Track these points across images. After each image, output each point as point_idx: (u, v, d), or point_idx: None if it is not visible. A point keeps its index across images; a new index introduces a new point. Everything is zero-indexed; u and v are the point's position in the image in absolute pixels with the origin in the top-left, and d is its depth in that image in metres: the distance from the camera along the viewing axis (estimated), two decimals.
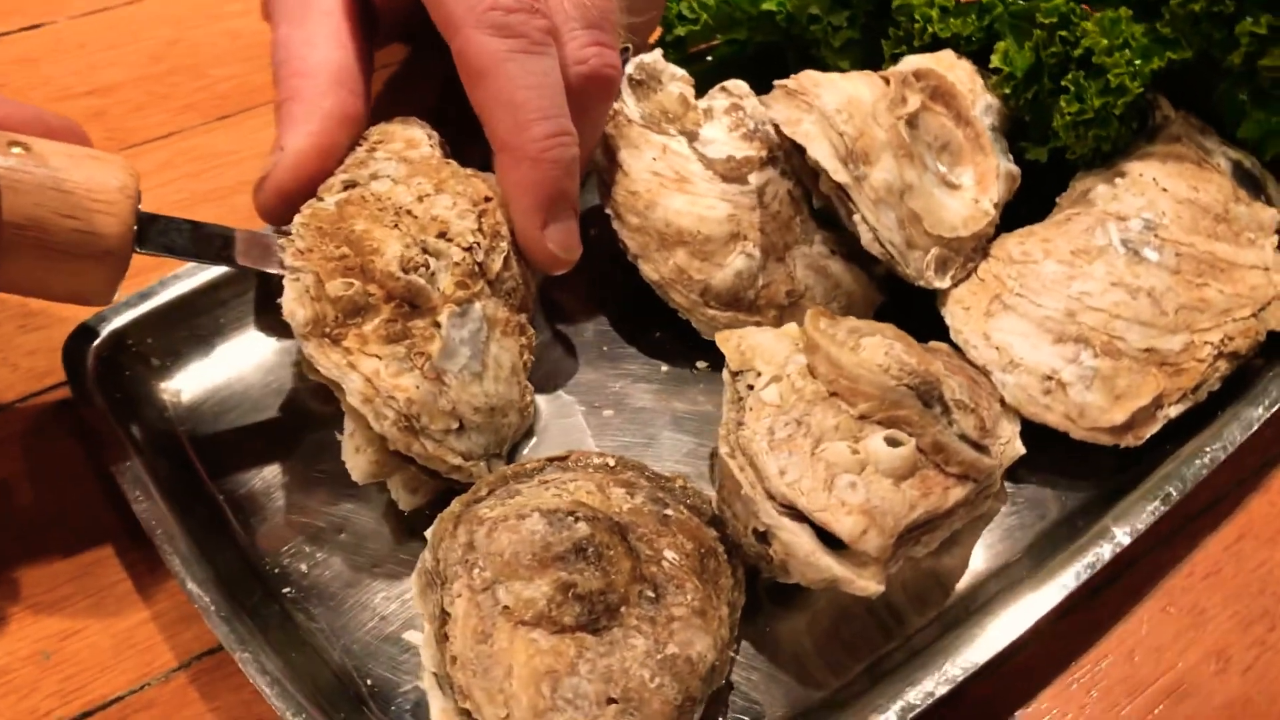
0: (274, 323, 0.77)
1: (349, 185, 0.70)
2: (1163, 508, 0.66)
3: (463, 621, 0.57)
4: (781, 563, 0.61)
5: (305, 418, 0.75)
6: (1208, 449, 0.70)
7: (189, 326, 0.78)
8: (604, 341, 0.80)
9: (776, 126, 0.75)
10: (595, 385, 0.78)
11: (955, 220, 0.75)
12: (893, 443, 0.62)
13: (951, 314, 0.75)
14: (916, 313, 0.75)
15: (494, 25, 0.67)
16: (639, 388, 0.78)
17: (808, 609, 0.67)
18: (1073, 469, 0.73)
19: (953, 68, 0.81)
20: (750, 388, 0.66)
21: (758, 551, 0.62)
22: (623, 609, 0.57)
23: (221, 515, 0.70)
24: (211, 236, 0.68)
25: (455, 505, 0.63)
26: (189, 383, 0.77)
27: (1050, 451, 0.72)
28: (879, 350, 0.64)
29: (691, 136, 0.80)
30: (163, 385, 0.76)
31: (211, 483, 0.72)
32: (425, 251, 0.66)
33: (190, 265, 0.77)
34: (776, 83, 0.76)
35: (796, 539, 0.60)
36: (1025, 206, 0.81)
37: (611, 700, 0.55)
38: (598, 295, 0.83)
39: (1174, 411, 0.71)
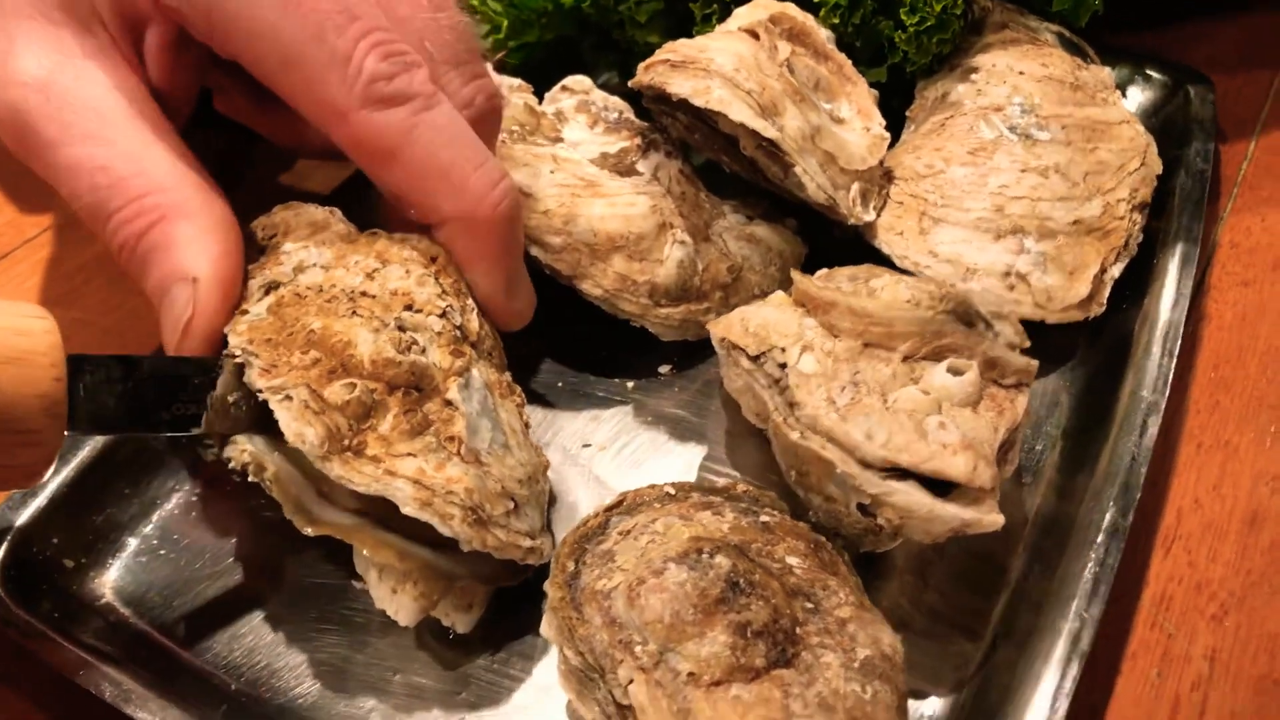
0: (198, 476, 0.67)
1: (271, 287, 0.60)
2: (1169, 361, 0.68)
3: (652, 709, 0.51)
4: (896, 528, 0.58)
5: (275, 570, 0.65)
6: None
7: (96, 510, 0.66)
8: (558, 377, 0.74)
9: (658, 103, 0.72)
10: (569, 422, 0.72)
11: (861, 151, 0.75)
12: (955, 371, 0.60)
13: (889, 243, 0.75)
14: (837, 257, 0.73)
15: (382, 99, 0.58)
16: (613, 412, 0.73)
17: (895, 577, 0.64)
18: (1049, 355, 0.73)
19: (783, 9, 0.80)
20: (783, 365, 0.62)
21: (864, 527, 0.59)
22: (797, 630, 0.53)
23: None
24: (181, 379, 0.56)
25: (555, 591, 0.56)
26: (119, 576, 0.65)
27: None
28: (898, 287, 0.63)
29: (556, 143, 0.75)
30: (91, 586, 0.64)
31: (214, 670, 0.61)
32: (402, 329, 0.58)
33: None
34: (649, 61, 0.73)
35: (911, 497, 0.57)
36: None
37: None
38: (535, 331, 0.74)
39: (1116, 271, 0.74)
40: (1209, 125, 0.84)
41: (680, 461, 0.70)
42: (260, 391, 0.55)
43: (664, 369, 0.75)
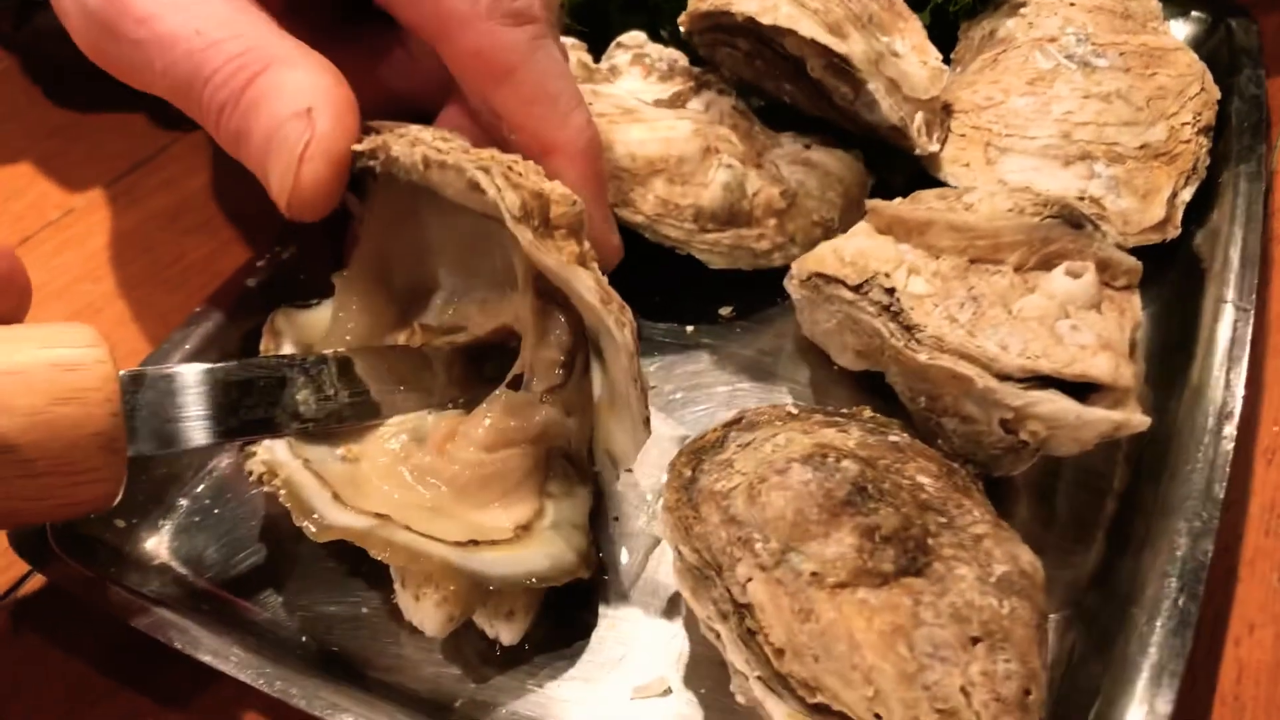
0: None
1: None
2: (1251, 271, 0.66)
3: (772, 606, 0.48)
4: (1041, 441, 0.56)
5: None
6: None
7: (147, 470, 0.62)
8: None
9: (716, 33, 0.71)
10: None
11: (923, 81, 0.73)
12: (1073, 274, 0.57)
13: (954, 175, 0.72)
14: (896, 190, 0.72)
15: (510, 14, 0.58)
16: (675, 357, 0.70)
17: (1020, 500, 0.62)
18: None
19: None
20: (890, 291, 0.59)
21: (1006, 445, 0.57)
22: (929, 541, 0.50)
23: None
24: (248, 383, 0.57)
25: (670, 495, 0.53)
26: (173, 536, 0.62)
27: None
28: (996, 198, 0.60)
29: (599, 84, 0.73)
30: (145, 546, 0.61)
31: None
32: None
33: None
34: None
35: (1058, 405, 0.54)
36: None
37: (975, 639, 0.47)
38: None
39: (1187, 195, 0.72)
40: (1256, 54, 0.83)
41: (763, 399, 0.67)
42: (461, 167, 0.53)
43: (724, 311, 0.72)
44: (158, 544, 0.61)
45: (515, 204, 0.52)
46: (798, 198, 0.71)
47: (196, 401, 0.54)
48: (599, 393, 0.57)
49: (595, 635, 0.57)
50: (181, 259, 0.78)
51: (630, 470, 0.60)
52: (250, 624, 0.57)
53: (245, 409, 0.55)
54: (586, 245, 0.56)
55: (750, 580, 0.48)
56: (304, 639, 0.57)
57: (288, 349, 0.62)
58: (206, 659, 0.53)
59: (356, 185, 0.59)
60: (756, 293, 0.71)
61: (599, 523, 0.61)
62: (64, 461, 0.47)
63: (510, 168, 0.54)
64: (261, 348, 0.63)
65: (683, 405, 0.67)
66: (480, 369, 0.62)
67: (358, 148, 0.55)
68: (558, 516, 0.57)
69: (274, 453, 0.56)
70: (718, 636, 0.49)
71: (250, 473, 0.56)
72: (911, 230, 0.61)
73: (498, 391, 0.58)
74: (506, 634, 0.55)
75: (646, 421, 0.55)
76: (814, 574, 0.48)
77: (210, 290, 0.69)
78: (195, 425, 0.53)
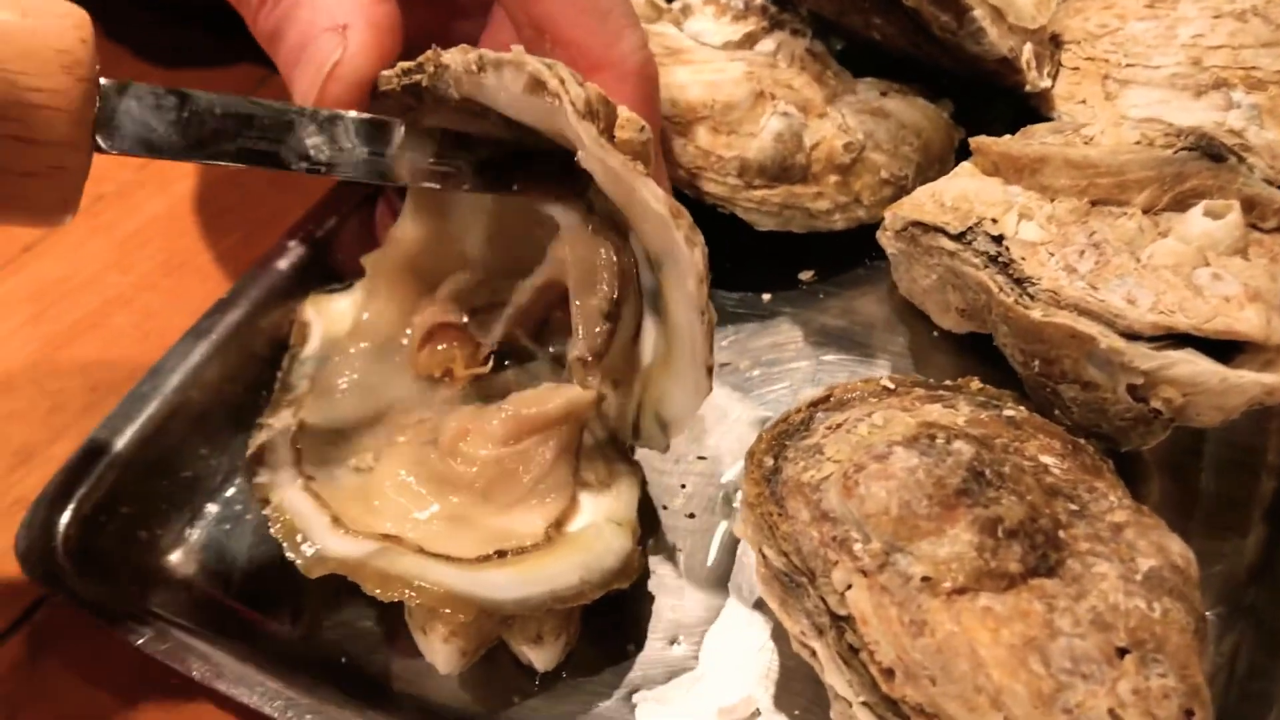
0: None
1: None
2: None
3: (877, 619, 0.40)
4: (1176, 410, 0.47)
5: None
6: None
7: (170, 473, 0.56)
8: None
9: None
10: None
11: (1030, 9, 0.64)
12: (1213, 215, 0.49)
13: (1071, 114, 0.63)
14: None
15: None
16: (753, 328, 0.62)
17: (1153, 479, 0.54)
18: None
19: None
20: (999, 238, 0.51)
21: (1135, 415, 0.48)
22: (1060, 534, 0.42)
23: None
24: (248, 117, 0.48)
25: (751, 488, 0.46)
26: (200, 547, 0.56)
27: None
28: (1119, 130, 0.52)
29: (677, 26, 0.66)
30: (169, 560, 0.55)
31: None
32: None
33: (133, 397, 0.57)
34: None
35: (1198, 367, 0.46)
36: None
37: (1122, 651, 0.39)
38: None
39: None
40: None
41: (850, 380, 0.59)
42: (521, 62, 0.47)
43: (805, 275, 0.64)
44: (183, 558, 0.55)
45: (580, 99, 0.46)
46: (864, 152, 0.62)
47: (192, 119, 0.47)
48: (650, 356, 0.50)
49: (665, 648, 0.50)
50: (213, 246, 0.73)
51: (704, 458, 0.53)
52: (278, 645, 0.51)
53: (245, 138, 0.48)
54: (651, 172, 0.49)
55: (850, 587, 0.41)
56: (342, 660, 0.51)
57: (315, 344, 0.57)
58: (229, 690, 0.46)
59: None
60: (842, 253, 0.64)
61: (661, 517, 0.54)
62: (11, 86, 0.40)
63: (573, 75, 0.48)
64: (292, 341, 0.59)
65: (761, 383, 0.59)
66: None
67: (404, 64, 0.50)
68: (595, 511, 0.50)
69: (275, 472, 0.51)
70: (813, 654, 0.42)
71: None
72: (1022, 169, 0.52)
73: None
74: (539, 660, 0.48)
75: (710, 371, 0.47)
76: (926, 578, 0.40)
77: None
78: (185, 136, 0.47)
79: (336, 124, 0.49)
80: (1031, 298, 0.49)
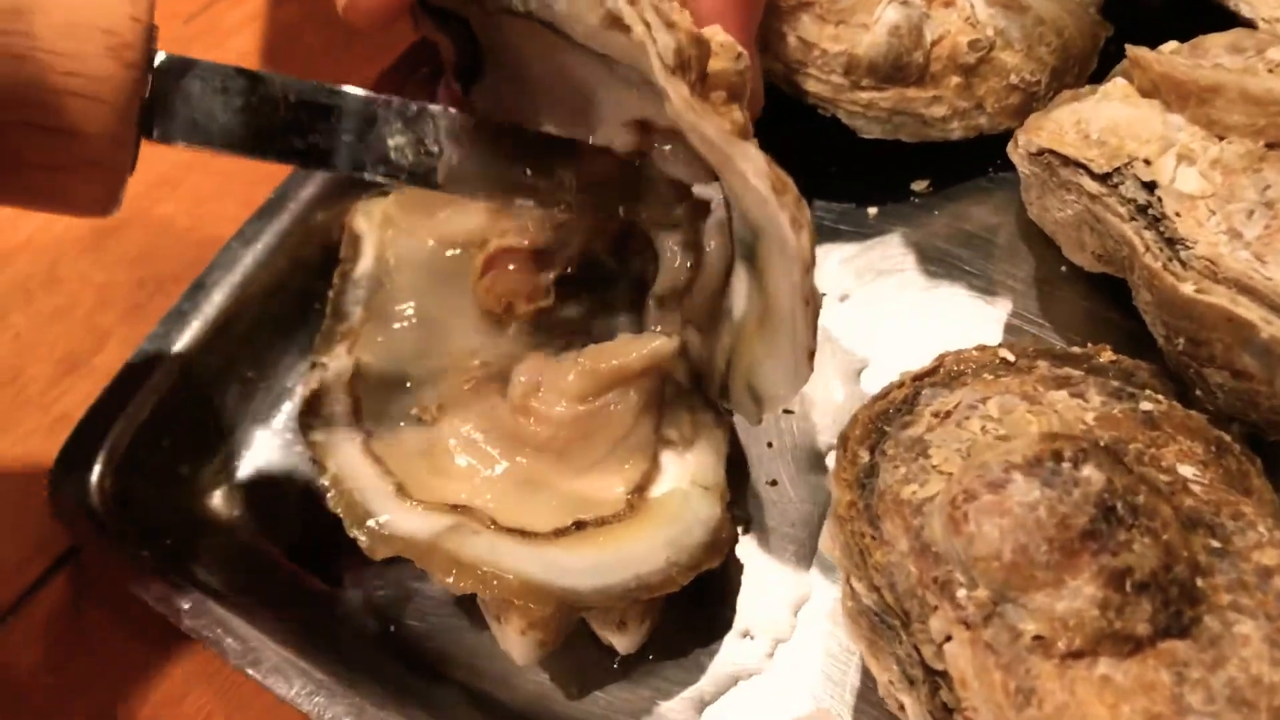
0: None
1: None
2: None
3: (978, 681, 0.35)
4: None
5: None
6: None
7: (213, 399, 0.52)
8: None
9: None
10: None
11: None
12: None
13: (1272, 25, 0.53)
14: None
15: None
16: (854, 250, 0.55)
17: None
18: None
19: None
20: (1151, 186, 0.43)
21: None
22: (1198, 582, 0.36)
23: None
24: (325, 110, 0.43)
25: (842, 492, 0.41)
26: (245, 484, 0.53)
27: None
28: None
29: None
30: (211, 502, 0.52)
31: None
32: None
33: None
34: None
35: None
36: None
37: None
38: None
39: None
40: None
41: (963, 318, 0.53)
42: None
43: (918, 186, 0.57)
44: (225, 499, 0.52)
45: (669, 48, 0.39)
46: (993, 50, 0.54)
47: (259, 107, 0.42)
48: (742, 307, 0.44)
49: (743, 642, 0.46)
50: None
51: (790, 412, 0.48)
52: (323, 613, 0.48)
53: (318, 133, 0.43)
54: (747, 115, 0.43)
55: (949, 639, 0.36)
56: (391, 629, 0.48)
57: (368, 262, 0.51)
58: (264, 680, 0.43)
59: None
60: (961, 160, 0.56)
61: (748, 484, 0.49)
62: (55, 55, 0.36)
63: (658, 5, 0.41)
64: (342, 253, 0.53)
65: (861, 322, 0.53)
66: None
67: None
68: (679, 473, 0.46)
69: (331, 429, 0.47)
70: (901, 708, 0.37)
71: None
72: (1188, 96, 0.44)
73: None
74: (621, 643, 0.45)
75: (810, 355, 0.41)
76: (1038, 637, 0.35)
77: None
78: (248, 128, 0.42)
79: (424, 121, 0.44)
80: (1183, 264, 0.42)
